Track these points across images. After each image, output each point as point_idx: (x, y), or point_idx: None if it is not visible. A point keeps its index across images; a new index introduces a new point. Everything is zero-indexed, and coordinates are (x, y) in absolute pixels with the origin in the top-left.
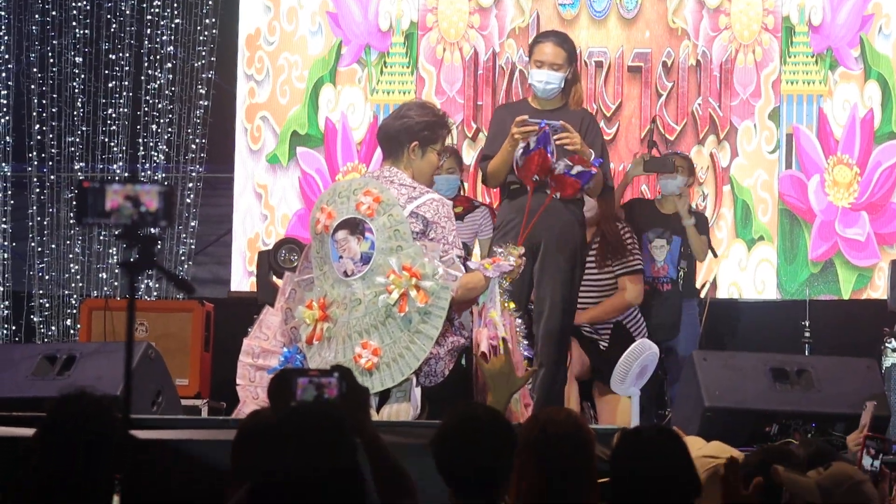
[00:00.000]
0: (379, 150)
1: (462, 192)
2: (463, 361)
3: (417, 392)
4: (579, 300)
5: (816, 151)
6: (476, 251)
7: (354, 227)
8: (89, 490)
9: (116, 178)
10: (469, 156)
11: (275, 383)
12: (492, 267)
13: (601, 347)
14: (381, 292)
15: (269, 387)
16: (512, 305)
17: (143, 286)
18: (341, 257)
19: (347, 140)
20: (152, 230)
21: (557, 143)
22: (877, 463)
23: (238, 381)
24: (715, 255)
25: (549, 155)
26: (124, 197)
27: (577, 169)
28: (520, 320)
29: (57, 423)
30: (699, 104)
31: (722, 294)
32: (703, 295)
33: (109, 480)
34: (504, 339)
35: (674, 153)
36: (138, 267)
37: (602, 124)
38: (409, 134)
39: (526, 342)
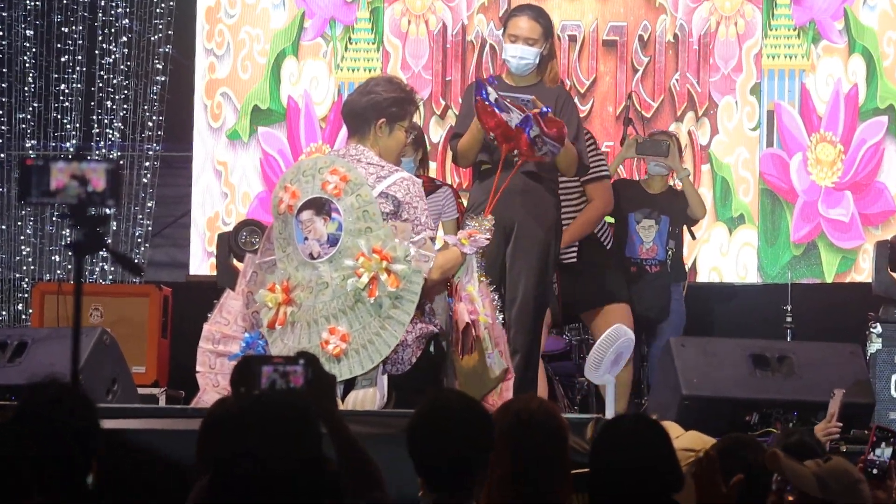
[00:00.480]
0: (344, 130)
1: (422, 173)
2: (431, 348)
3: (384, 379)
4: None
5: (798, 129)
6: (440, 233)
7: (320, 207)
8: (65, 475)
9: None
10: (438, 133)
11: (237, 371)
12: (468, 241)
13: (575, 270)
14: (350, 276)
15: (231, 375)
16: (487, 279)
17: (97, 269)
18: (306, 238)
19: (311, 119)
20: (100, 210)
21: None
22: (888, 452)
23: (198, 367)
24: (693, 237)
25: (487, 105)
26: (70, 176)
27: (518, 115)
28: (496, 294)
29: (32, 410)
30: (677, 79)
31: (703, 279)
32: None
33: (85, 467)
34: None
35: (661, 132)
36: (87, 249)
37: (576, 101)
38: (376, 110)
39: (502, 316)
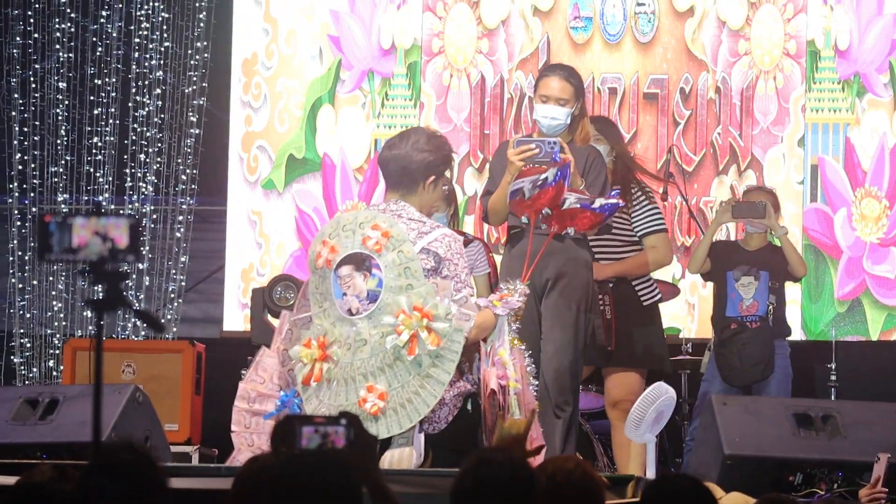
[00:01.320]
0: (380, 187)
1: (454, 227)
2: (469, 407)
3: (421, 438)
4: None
5: (843, 183)
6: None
7: (360, 262)
8: None
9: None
10: (475, 187)
11: (278, 430)
12: (500, 304)
13: (606, 316)
14: (389, 333)
15: (271, 433)
16: (520, 343)
17: (130, 325)
18: (345, 294)
19: (346, 175)
20: (120, 266)
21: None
22: None
23: (233, 427)
24: None
25: (566, 189)
26: (92, 232)
27: (601, 201)
28: (530, 359)
29: (101, 471)
30: (719, 133)
31: None
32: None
33: None
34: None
35: (757, 188)
36: (107, 306)
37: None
38: (428, 169)
39: (536, 382)
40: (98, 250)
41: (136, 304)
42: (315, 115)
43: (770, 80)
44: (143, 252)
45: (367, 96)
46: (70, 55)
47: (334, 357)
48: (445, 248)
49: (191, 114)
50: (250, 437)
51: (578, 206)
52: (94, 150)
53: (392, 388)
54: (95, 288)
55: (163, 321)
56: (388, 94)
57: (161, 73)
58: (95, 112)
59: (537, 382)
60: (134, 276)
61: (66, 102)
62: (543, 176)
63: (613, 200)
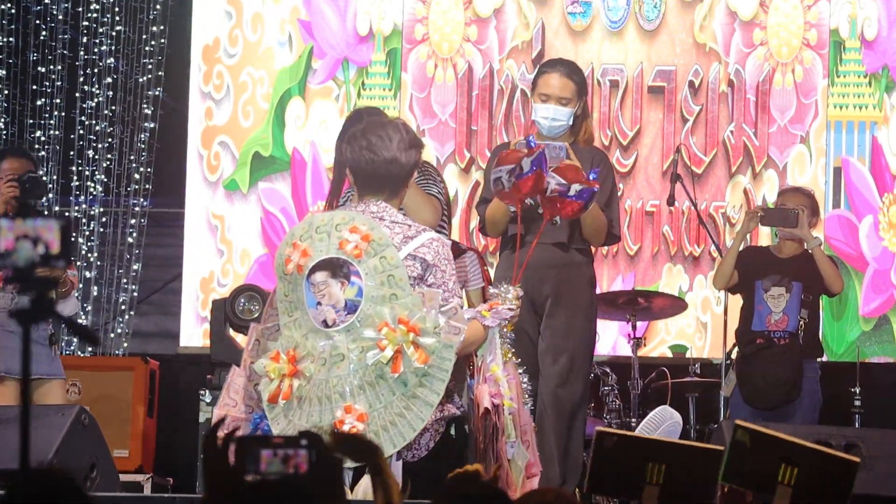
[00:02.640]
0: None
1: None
2: (452, 432)
3: (399, 466)
4: None
5: (869, 188)
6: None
7: (337, 268)
8: None
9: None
10: (462, 190)
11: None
12: (490, 314)
13: None
14: (371, 348)
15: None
16: (515, 357)
17: (75, 340)
18: (319, 304)
19: (318, 173)
20: (48, 273)
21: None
22: None
23: None
24: None
25: (545, 177)
26: (20, 235)
27: (577, 187)
28: (525, 376)
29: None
30: (731, 131)
31: None
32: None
33: None
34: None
35: (794, 189)
36: (34, 316)
37: (618, 154)
38: (415, 167)
39: (532, 400)
40: (28, 255)
41: (78, 316)
42: (283, 109)
43: (788, 74)
44: (92, 259)
45: (341, 87)
46: (10, 39)
47: (306, 373)
48: (433, 254)
49: (145, 106)
50: None
51: (557, 192)
52: (36, 146)
53: (373, 410)
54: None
55: (99, 334)
56: (364, 83)
57: (112, 60)
58: (38, 103)
59: (534, 401)
60: (80, 286)
61: (6, 92)
62: (518, 166)
63: (586, 184)
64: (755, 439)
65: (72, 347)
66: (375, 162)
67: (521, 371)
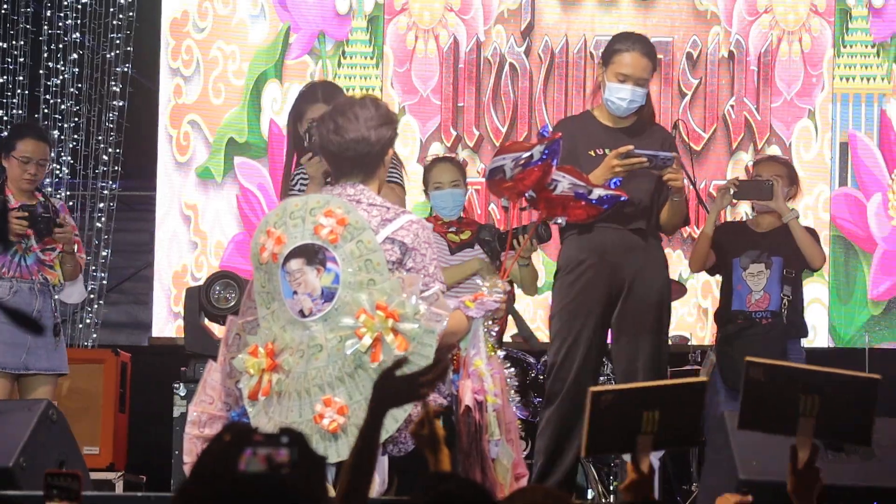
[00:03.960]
0: None
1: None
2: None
3: (384, 462)
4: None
5: (878, 164)
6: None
7: (312, 255)
8: None
9: None
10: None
11: (212, 452)
12: (475, 305)
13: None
14: (350, 336)
15: (201, 455)
16: (499, 352)
17: None
18: (295, 293)
19: None
20: None
21: (665, 179)
22: None
23: (184, 457)
24: None
25: (553, 171)
26: None
27: (599, 192)
28: (511, 369)
29: None
30: (732, 105)
31: None
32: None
33: None
34: (491, 398)
35: (772, 158)
36: None
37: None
38: (388, 145)
39: (519, 398)
40: None
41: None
42: (259, 93)
43: (795, 43)
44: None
45: (317, 62)
46: None
47: (285, 366)
48: (412, 237)
49: (113, 83)
50: None
51: (572, 194)
52: None
53: (353, 402)
54: None
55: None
56: (344, 51)
57: (78, 35)
58: (0, 81)
59: (520, 398)
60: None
61: None
62: (528, 153)
63: (613, 192)
64: (769, 373)
65: None
66: (343, 144)
67: (507, 366)
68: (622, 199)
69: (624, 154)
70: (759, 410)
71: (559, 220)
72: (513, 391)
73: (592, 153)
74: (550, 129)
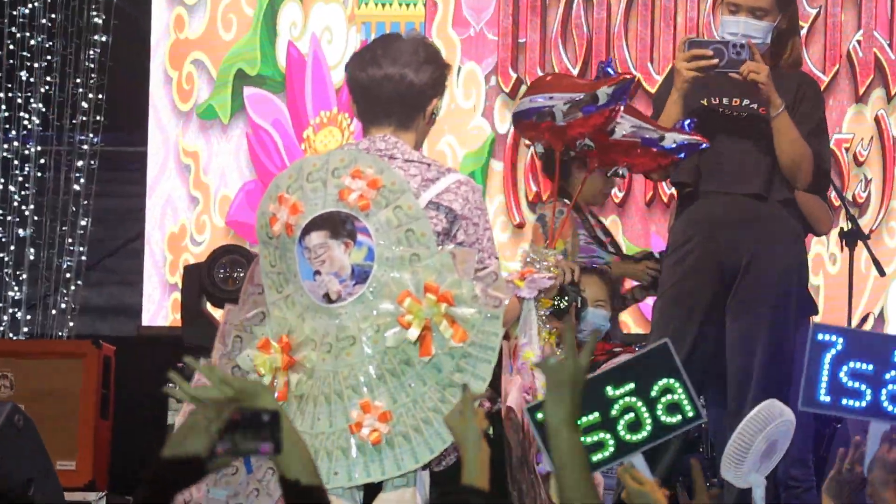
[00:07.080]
0: None
1: None
2: (490, 432)
3: (425, 477)
4: None
5: None
6: None
7: (338, 226)
8: None
9: None
10: (507, 121)
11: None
12: (525, 283)
13: None
14: (391, 325)
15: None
16: (553, 339)
17: (6, 318)
18: (318, 273)
19: (321, 75)
20: None
21: (744, 76)
22: None
23: None
24: (882, 273)
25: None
26: None
27: (673, 137)
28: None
29: None
30: (859, 41)
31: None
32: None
33: None
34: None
35: None
36: None
37: None
38: (434, 92)
39: None
40: None
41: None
42: (274, 15)
43: None
44: (27, 213)
45: None
46: None
47: (306, 364)
48: (462, 202)
49: (94, 13)
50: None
51: (639, 139)
52: None
53: (399, 405)
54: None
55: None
56: None
57: None
58: None
59: None
60: (12, 248)
61: None
62: (589, 95)
63: (691, 137)
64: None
65: (1, 327)
66: (378, 78)
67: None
68: (703, 146)
69: (686, 49)
70: None
71: (621, 171)
72: None
73: (705, 102)
74: (616, 65)
